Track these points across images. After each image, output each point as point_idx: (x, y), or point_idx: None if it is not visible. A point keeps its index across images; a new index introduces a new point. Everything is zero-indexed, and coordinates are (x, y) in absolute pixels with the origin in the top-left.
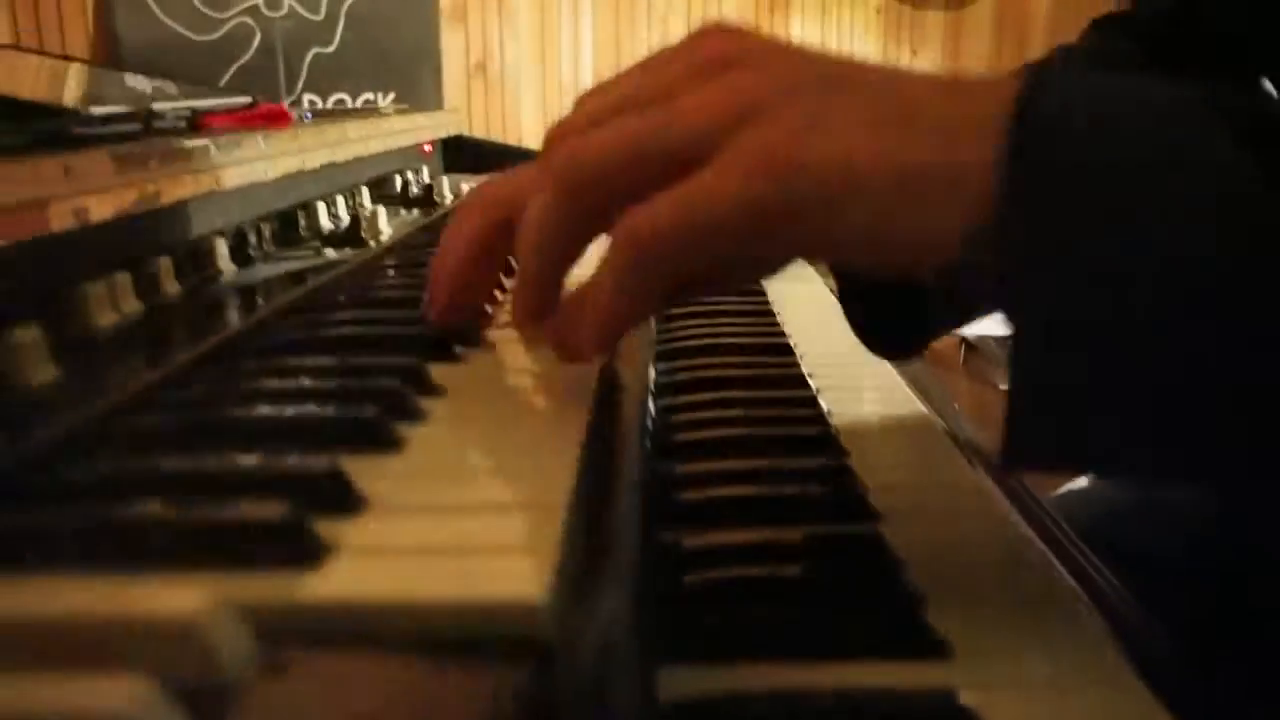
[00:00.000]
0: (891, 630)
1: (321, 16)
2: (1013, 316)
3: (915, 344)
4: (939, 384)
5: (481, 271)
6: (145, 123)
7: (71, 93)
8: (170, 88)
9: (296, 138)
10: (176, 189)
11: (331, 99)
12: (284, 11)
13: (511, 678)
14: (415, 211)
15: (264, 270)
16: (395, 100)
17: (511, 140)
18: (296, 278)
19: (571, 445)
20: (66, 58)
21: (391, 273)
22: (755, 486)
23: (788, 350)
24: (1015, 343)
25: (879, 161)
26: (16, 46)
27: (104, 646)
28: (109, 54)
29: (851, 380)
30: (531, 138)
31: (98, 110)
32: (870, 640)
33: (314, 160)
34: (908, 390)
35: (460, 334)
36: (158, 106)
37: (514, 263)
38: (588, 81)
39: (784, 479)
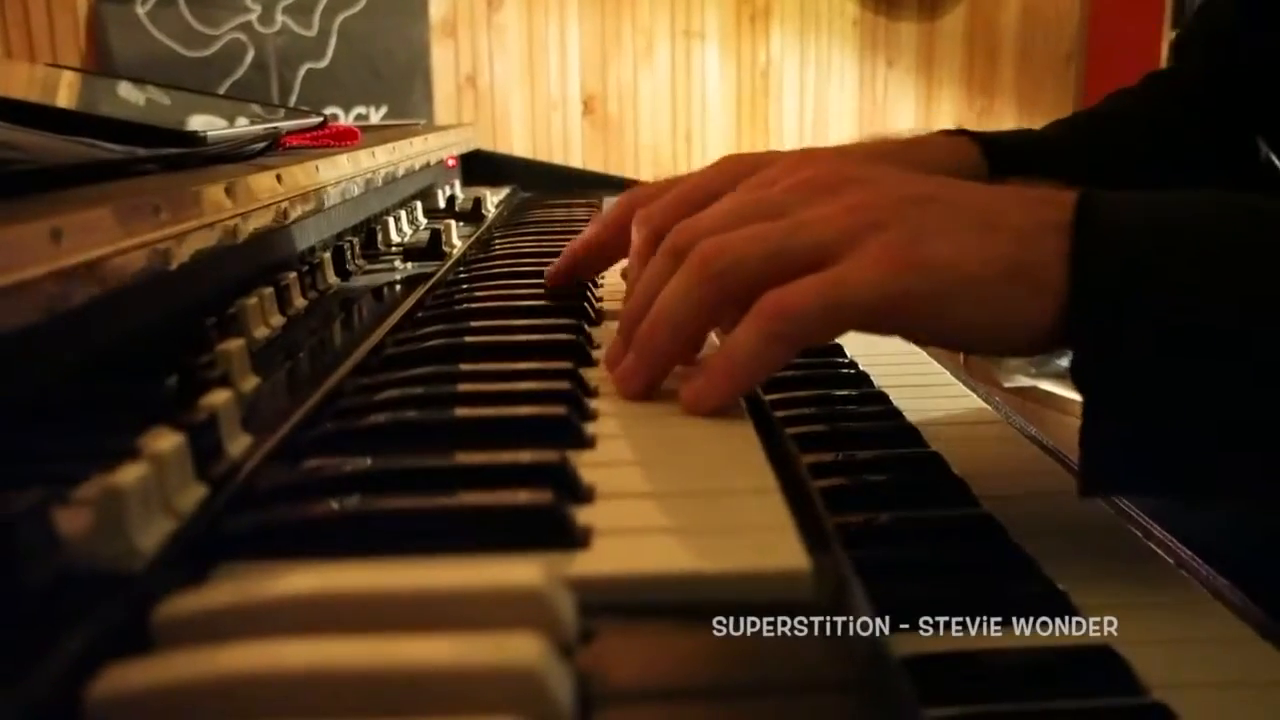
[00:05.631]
0: (1031, 596)
1: (314, 32)
2: (1087, 366)
3: None
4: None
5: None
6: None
7: (176, 115)
8: (248, 109)
9: (374, 155)
10: (301, 204)
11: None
12: (277, 28)
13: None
14: (463, 224)
15: (362, 281)
16: (388, 115)
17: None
18: (392, 288)
19: (748, 436)
20: (113, 75)
21: (505, 281)
22: (859, 476)
23: (840, 350)
24: (1086, 388)
25: (979, 259)
26: (61, 66)
27: (456, 616)
28: (101, 69)
29: (898, 376)
30: (520, 149)
31: (215, 134)
32: (1012, 606)
33: (381, 176)
34: (958, 382)
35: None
36: (248, 130)
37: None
38: (575, 94)
39: (883, 468)
